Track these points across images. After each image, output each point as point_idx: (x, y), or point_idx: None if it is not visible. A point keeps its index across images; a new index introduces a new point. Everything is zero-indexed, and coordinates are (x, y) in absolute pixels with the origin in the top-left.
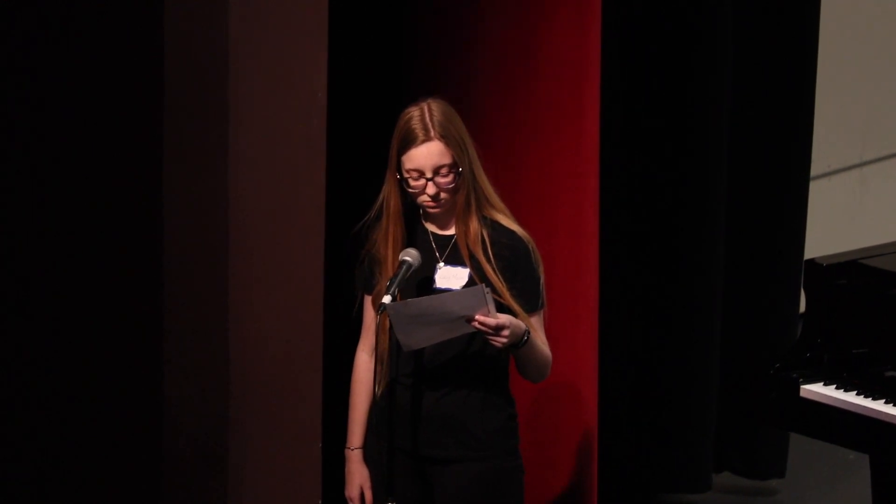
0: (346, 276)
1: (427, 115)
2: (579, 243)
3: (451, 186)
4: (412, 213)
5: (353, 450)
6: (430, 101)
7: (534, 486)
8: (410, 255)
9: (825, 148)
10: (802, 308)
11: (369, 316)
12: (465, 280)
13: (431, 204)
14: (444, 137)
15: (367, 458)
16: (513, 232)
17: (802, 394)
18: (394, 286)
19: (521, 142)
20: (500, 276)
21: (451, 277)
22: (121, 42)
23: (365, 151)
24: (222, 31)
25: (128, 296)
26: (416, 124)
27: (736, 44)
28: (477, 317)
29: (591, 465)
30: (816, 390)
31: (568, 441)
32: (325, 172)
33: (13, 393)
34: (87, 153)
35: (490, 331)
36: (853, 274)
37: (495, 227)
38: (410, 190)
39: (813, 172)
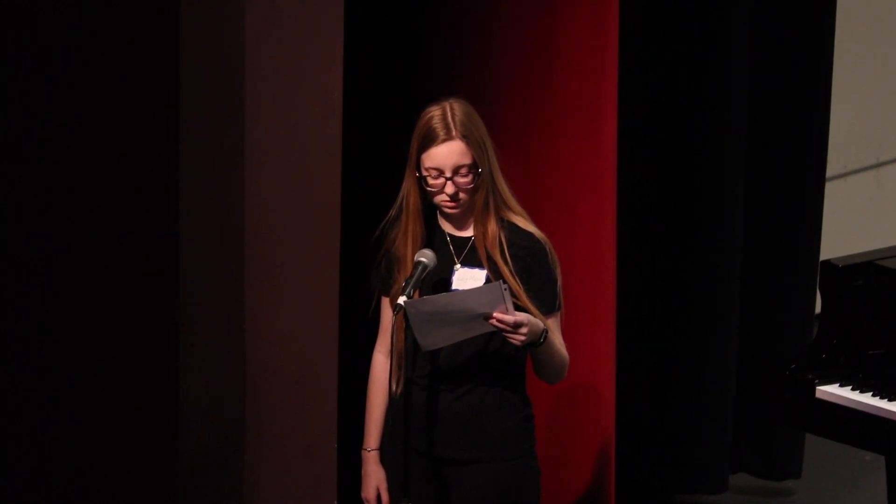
0: (363, 277)
1: (449, 114)
2: (597, 243)
3: (469, 187)
4: (430, 213)
5: (369, 451)
6: (452, 100)
7: (551, 486)
8: (426, 256)
9: (841, 148)
10: (818, 309)
11: (387, 316)
12: (482, 282)
13: (450, 204)
14: (466, 137)
15: (384, 460)
16: (530, 234)
17: (818, 395)
18: (409, 287)
19: (540, 142)
20: (517, 278)
21: (468, 279)
22: (136, 43)
23: (381, 152)
24: (238, 31)
25: (143, 296)
26: (437, 123)
27: (752, 44)
28: (495, 314)
29: (608, 466)
30: (832, 391)
31: (585, 441)
32: (340, 173)
33: (29, 391)
34: (102, 155)
35: (508, 328)
36: (869, 275)
37: (513, 229)
38: (429, 188)
39: (829, 173)
